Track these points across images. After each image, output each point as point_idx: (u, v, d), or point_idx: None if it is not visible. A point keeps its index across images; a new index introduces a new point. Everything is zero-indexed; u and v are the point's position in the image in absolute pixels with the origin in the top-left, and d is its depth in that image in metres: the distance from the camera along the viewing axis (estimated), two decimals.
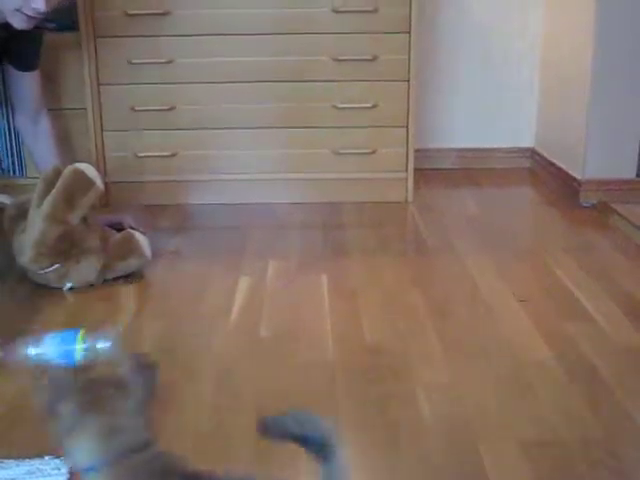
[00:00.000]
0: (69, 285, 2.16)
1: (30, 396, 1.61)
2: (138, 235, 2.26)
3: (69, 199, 2.11)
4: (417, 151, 3.05)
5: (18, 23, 2.09)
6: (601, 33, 2.74)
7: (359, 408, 1.59)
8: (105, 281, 2.21)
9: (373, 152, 2.91)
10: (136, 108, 2.85)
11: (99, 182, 2.16)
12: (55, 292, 2.16)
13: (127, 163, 2.91)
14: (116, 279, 2.23)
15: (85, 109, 2.85)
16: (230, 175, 2.94)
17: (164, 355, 1.82)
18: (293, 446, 1.45)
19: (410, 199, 2.96)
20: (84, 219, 2.18)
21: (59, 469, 1.38)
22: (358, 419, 1.55)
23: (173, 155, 2.91)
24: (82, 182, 2.13)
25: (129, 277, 2.25)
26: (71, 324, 1.99)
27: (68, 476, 1.36)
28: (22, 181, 2.84)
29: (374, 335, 1.91)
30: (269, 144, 2.92)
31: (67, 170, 2.14)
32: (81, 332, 1.63)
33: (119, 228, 2.37)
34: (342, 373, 1.73)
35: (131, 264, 2.23)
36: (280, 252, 2.47)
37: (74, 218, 2.13)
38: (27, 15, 2.06)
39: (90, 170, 2.16)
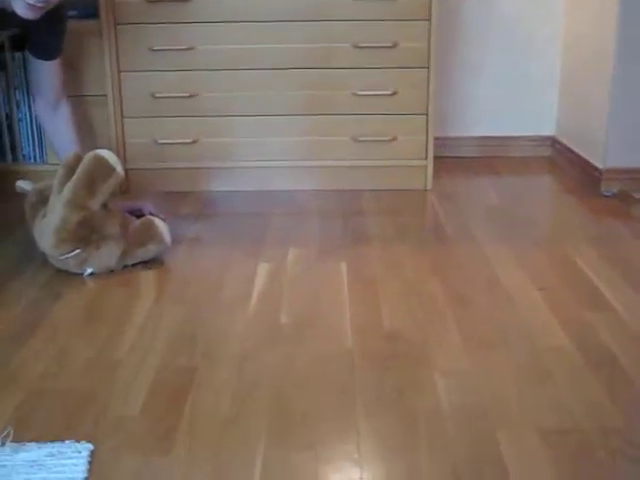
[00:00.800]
0: (89, 271, 2.18)
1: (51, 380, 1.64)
2: (158, 221, 2.27)
3: (90, 185, 2.12)
4: (437, 139, 3.04)
5: (21, 11, 2.08)
6: (624, 20, 2.72)
7: (377, 395, 1.59)
8: (125, 267, 2.23)
9: (393, 139, 2.90)
10: (157, 95, 2.86)
11: (120, 168, 2.17)
12: (75, 278, 2.18)
13: (147, 150, 2.92)
14: (136, 265, 2.24)
15: (105, 96, 2.85)
16: (250, 162, 2.94)
17: (184, 341, 1.83)
18: (310, 431, 1.46)
19: (429, 187, 2.95)
20: (104, 205, 2.19)
21: (79, 452, 1.39)
22: (376, 406, 1.55)
23: (194, 142, 2.91)
24: (103, 168, 2.14)
25: (149, 263, 2.26)
26: (91, 309, 2.01)
27: (89, 459, 1.37)
28: (42, 168, 2.86)
29: (393, 323, 1.91)
30: (289, 131, 2.92)
31: (88, 156, 2.15)
32: None
33: (139, 215, 2.38)
34: (360, 360, 1.73)
35: (150, 250, 2.24)
36: (300, 239, 2.47)
37: (94, 204, 2.14)
38: (27, 3, 2.05)
39: (111, 156, 2.16)
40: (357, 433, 1.46)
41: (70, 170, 2.16)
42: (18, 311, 2.00)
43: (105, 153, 2.16)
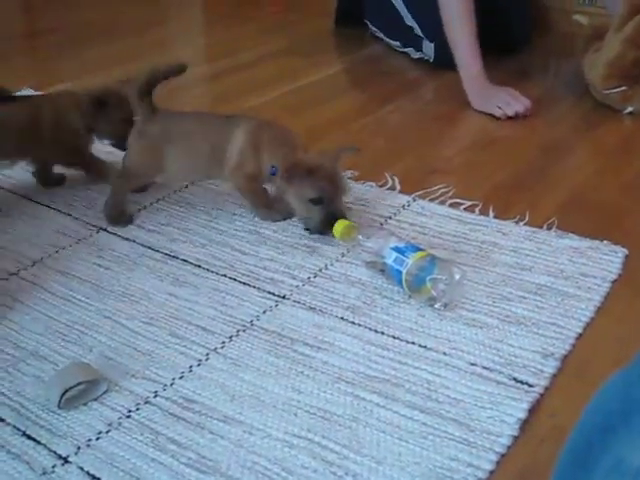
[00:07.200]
0: (630, 109, 2.24)
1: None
2: None
3: None
4: None
5: None
6: None
7: None
8: None
9: None
10: None
11: None
12: (614, 113, 2.25)
13: None
14: None
15: None
16: None
17: None
18: None
19: None
20: None
21: (615, 252, 1.52)
22: None
23: None
24: None
25: None
26: (625, 144, 2.10)
27: (623, 261, 1.50)
28: (591, 10, 2.93)
29: None
30: None
31: None
32: (420, 253, 1.39)
33: None
34: None
35: None
36: None
37: None
38: None
39: None
40: None
41: (634, 7, 2.22)
42: (558, 131, 2.17)
43: None
